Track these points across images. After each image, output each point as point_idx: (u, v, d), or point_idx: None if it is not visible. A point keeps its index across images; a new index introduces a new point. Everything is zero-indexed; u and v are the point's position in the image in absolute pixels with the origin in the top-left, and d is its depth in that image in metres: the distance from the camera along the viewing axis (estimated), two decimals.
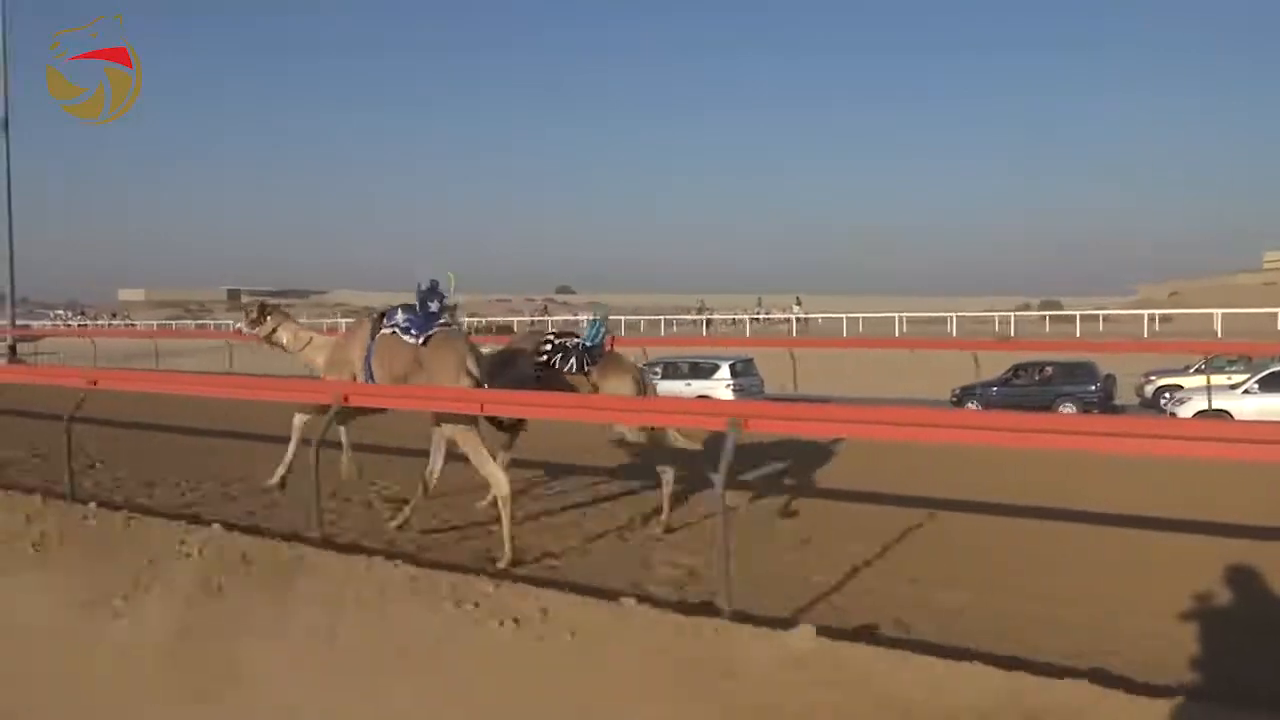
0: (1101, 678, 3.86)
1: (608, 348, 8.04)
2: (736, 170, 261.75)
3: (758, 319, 55.85)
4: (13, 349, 27.08)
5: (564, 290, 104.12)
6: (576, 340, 7.82)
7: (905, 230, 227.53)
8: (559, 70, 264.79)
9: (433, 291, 7.23)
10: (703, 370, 22.35)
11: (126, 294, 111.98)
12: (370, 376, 7.31)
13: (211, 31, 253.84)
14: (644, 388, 7.96)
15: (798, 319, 52.53)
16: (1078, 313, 48.89)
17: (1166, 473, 7.94)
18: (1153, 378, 21.46)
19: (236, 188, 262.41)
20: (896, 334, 42.21)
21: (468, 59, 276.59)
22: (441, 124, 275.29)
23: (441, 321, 7.23)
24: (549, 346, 7.70)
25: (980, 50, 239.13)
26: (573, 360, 7.58)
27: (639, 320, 54.73)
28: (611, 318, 51.07)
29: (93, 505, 7.02)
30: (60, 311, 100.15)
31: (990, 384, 21.18)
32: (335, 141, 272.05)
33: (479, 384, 6.89)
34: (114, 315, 79.29)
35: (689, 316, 58.94)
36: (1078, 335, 39.98)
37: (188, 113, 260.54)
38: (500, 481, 6.57)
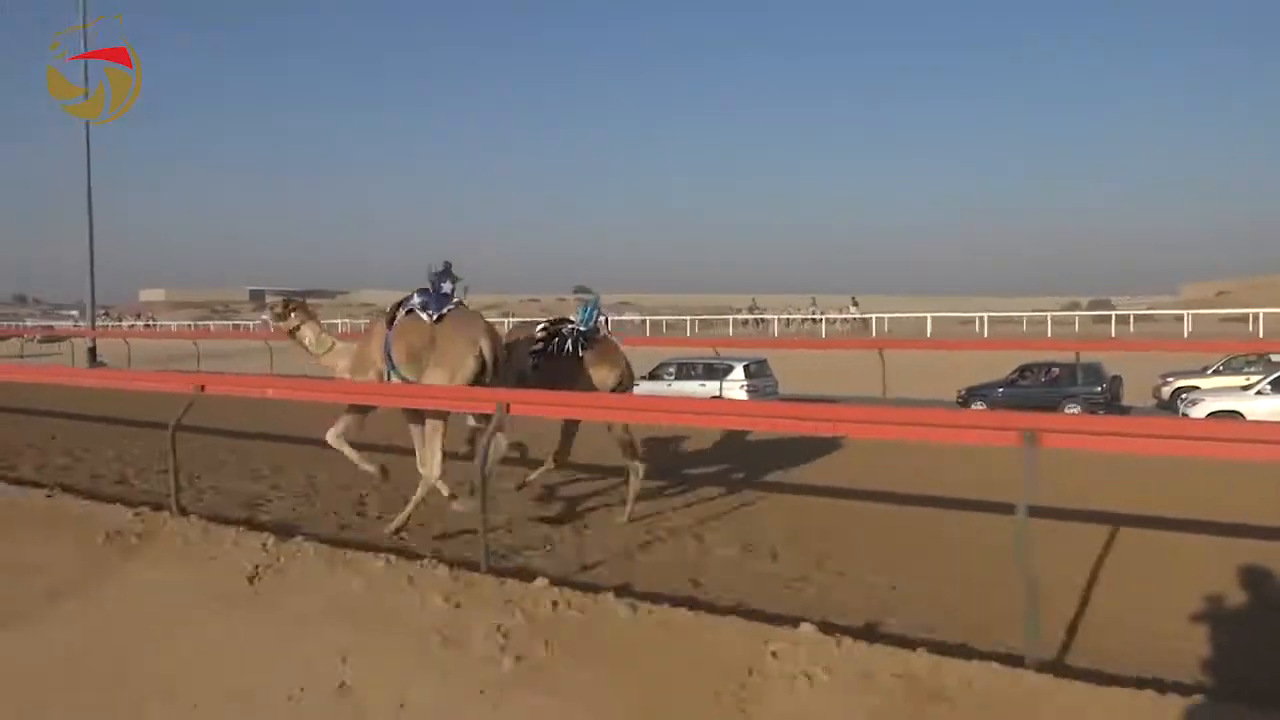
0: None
1: (601, 332, 7.82)
2: (753, 171, 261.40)
3: (813, 319, 49.27)
4: (92, 352, 24.18)
5: (581, 290, 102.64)
6: (571, 325, 7.61)
7: (942, 230, 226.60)
8: (572, 72, 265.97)
9: (445, 273, 6.95)
10: (717, 371, 21.57)
11: (147, 294, 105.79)
12: (391, 366, 6.93)
13: (233, 31, 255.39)
14: (627, 375, 7.75)
15: (856, 319, 47.43)
16: (1190, 312, 40.78)
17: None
18: (1170, 379, 20.95)
19: (256, 188, 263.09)
20: (985, 334, 39.00)
21: (485, 61, 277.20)
22: (458, 126, 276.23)
23: (456, 301, 6.91)
24: (544, 333, 7.54)
25: (1019, 49, 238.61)
26: (568, 343, 7.43)
27: (692, 321, 50.28)
28: (653, 319, 51.35)
29: (563, 589, 4.44)
30: (74, 312, 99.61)
31: (996, 385, 20.91)
32: (356, 143, 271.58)
33: (485, 367, 6.61)
34: (138, 316, 75.01)
35: (739, 316, 52.81)
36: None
37: (206, 112, 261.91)
38: (435, 470, 6.55)
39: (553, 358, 7.36)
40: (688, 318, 50.81)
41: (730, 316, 52.38)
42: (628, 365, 7.83)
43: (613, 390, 7.51)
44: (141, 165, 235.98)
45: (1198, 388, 19.81)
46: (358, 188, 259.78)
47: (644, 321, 51.14)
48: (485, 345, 6.61)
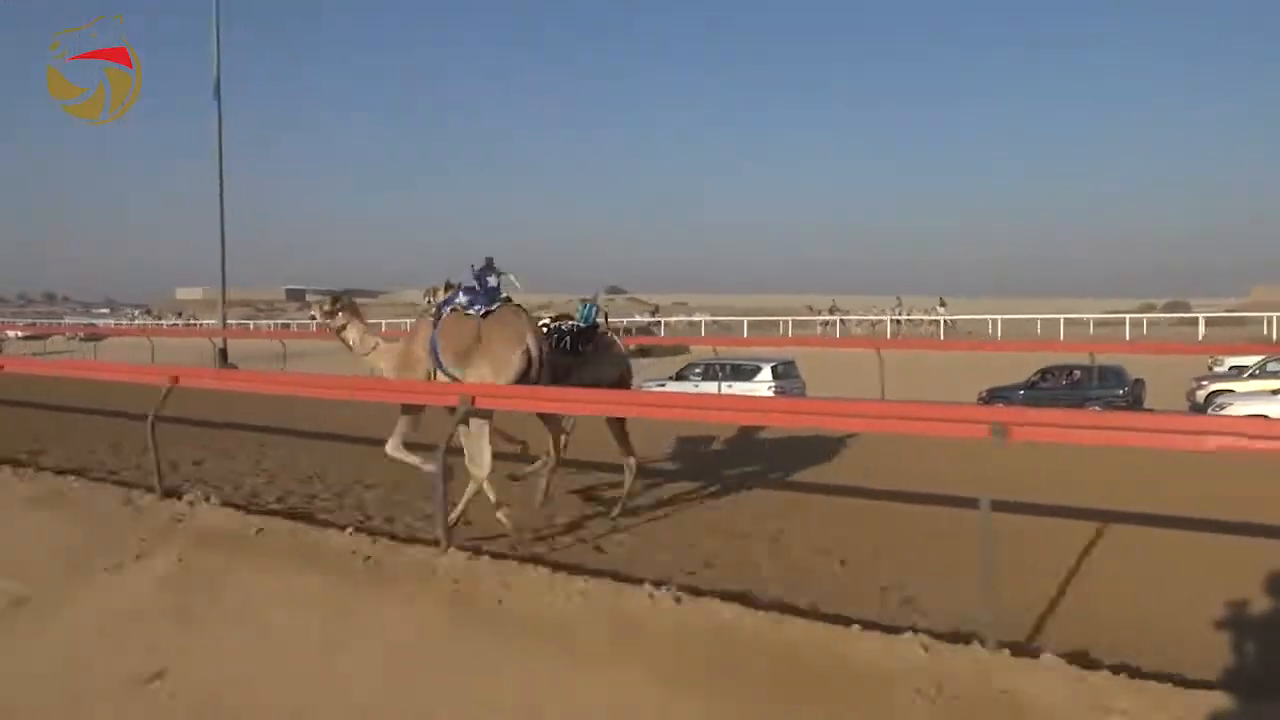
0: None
1: (601, 328, 7.93)
2: (799, 169, 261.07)
3: (898, 320, 47.87)
4: (223, 354, 22.32)
5: (615, 290, 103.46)
6: (571, 322, 7.75)
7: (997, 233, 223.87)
8: (617, 76, 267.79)
9: (488, 268, 6.93)
10: (744, 372, 22.23)
11: (184, 293, 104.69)
12: (438, 364, 6.93)
13: (263, 31, 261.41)
14: (627, 371, 7.89)
15: (943, 321, 45.86)
16: None
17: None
18: (1204, 383, 21.35)
19: (291, 188, 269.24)
20: (1126, 337, 37.99)
21: (529, 64, 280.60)
22: (502, 128, 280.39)
23: (504, 296, 6.92)
24: (544, 330, 7.47)
25: (1099, 49, 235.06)
26: (566, 339, 7.57)
27: (778, 322, 48.04)
28: (729, 319, 51.08)
29: None
30: (104, 310, 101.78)
31: (1018, 387, 21.38)
32: (398, 144, 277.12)
33: (531, 364, 6.62)
34: (179, 315, 74.65)
35: (817, 318, 50.34)
36: None
37: (242, 112, 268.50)
38: (486, 465, 6.41)
39: (553, 352, 7.38)
40: (782, 319, 49.37)
41: (804, 318, 49.91)
42: (627, 361, 8.09)
43: (613, 384, 7.66)
44: (176, 164, 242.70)
45: (1232, 390, 20.09)
46: (397, 188, 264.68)
47: (736, 322, 49.98)
48: (531, 342, 6.63)
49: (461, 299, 6.90)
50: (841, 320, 49.42)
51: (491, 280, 6.93)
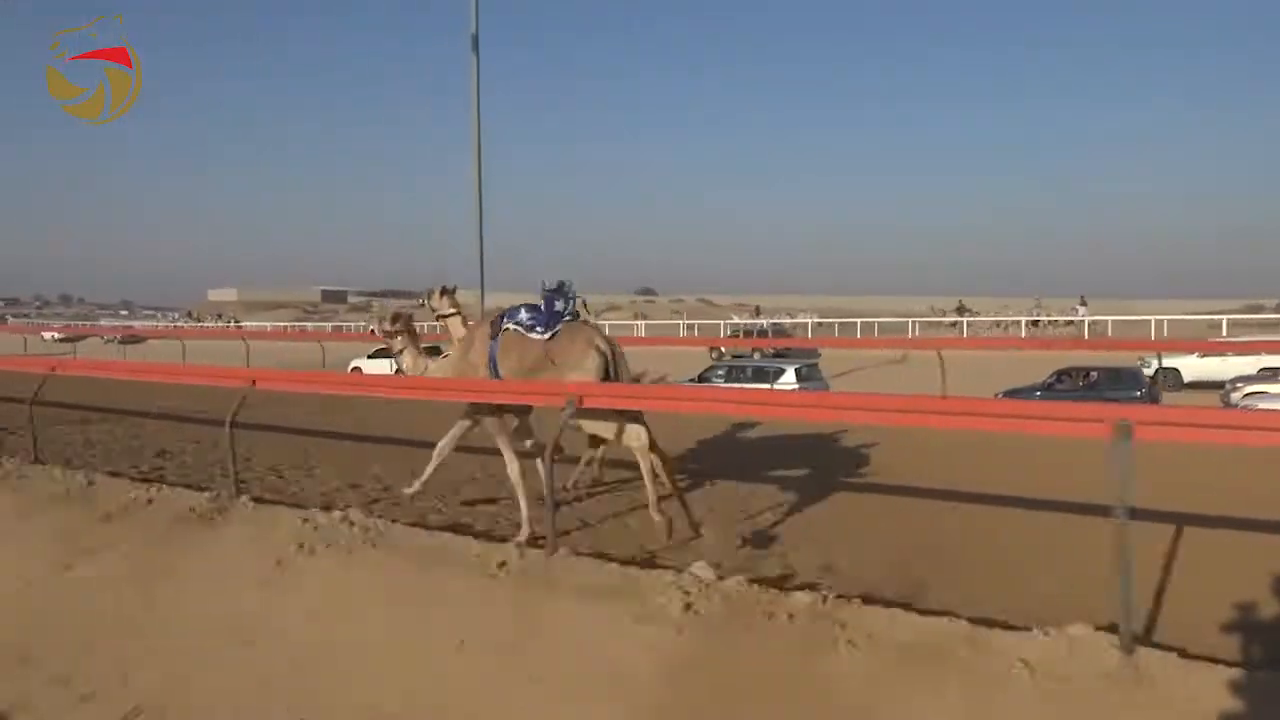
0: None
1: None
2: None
3: (1034, 322, 46.65)
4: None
5: (646, 292, 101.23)
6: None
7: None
8: (646, 74, 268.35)
9: (558, 291, 6.99)
10: (767, 373, 22.85)
11: (216, 294, 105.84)
12: (495, 375, 7.03)
13: (275, 30, 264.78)
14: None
15: (1082, 321, 44.47)
16: None
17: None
18: (1239, 384, 21.70)
19: (322, 188, 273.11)
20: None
21: (555, 62, 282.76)
22: (496, 128, 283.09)
23: (568, 315, 6.97)
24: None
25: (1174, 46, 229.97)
26: None
27: (909, 324, 46.83)
28: (840, 321, 52.15)
29: None
30: (124, 312, 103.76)
31: (1034, 388, 21.98)
32: (431, 144, 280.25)
33: (609, 365, 6.74)
34: (219, 316, 76.41)
35: (944, 320, 50.01)
36: None
37: (274, 115, 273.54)
38: (513, 462, 6.81)
39: None
40: (909, 320, 48.44)
41: (944, 319, 49.51)
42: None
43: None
44: (185, 164, 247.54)
45: (1265, 392, 20.54)
46: (402, 188, 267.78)
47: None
48: (602, 343, 6.78)
49: (524, 317, 6.95)
50: (969, 322, 49.00)
51: (558, 304, 6.95)
